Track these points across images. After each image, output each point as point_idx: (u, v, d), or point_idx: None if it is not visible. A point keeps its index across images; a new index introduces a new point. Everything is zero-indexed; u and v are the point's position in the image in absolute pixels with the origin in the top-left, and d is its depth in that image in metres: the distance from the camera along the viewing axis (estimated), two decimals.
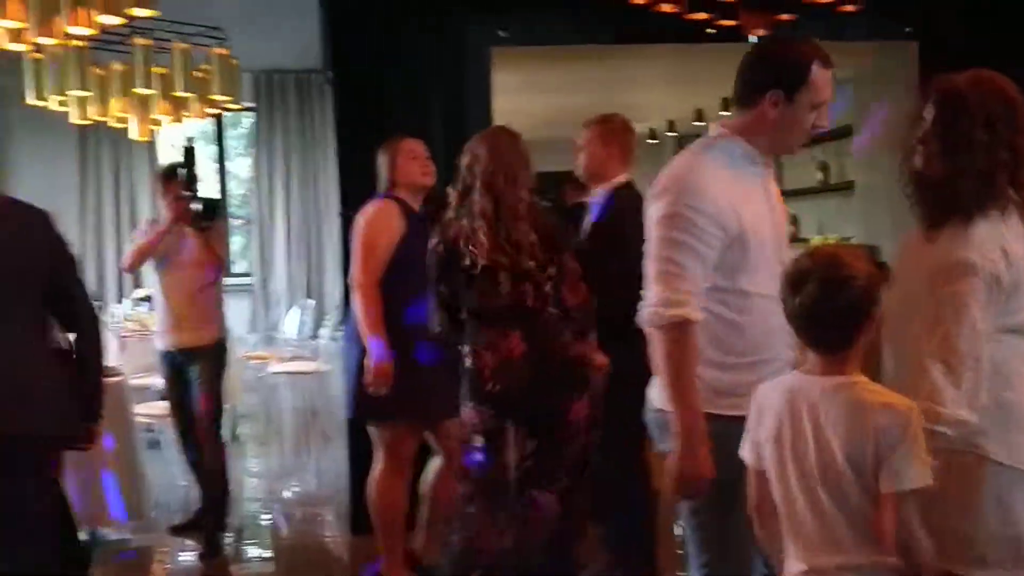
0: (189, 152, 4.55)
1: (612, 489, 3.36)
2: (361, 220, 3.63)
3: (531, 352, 2.92)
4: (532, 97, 8.08)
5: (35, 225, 2.75)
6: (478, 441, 2.97)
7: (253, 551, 4.55)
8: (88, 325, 2.87)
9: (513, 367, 2.91)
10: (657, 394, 2.22)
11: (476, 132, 4.53)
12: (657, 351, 2.12)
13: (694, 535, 2.22)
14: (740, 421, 1.95)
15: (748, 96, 2.22)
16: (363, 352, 3.50)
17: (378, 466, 3.66)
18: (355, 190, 4.44)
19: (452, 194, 3.10)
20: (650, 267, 2.15)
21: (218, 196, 4.61)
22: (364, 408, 3.60)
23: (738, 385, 2.12)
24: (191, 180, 4.45)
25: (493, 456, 2.96)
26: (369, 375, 3.40)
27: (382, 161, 3.72)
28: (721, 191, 2.15)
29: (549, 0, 4.49)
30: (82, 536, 4.32)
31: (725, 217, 2.12)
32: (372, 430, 3.65)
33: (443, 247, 2.97)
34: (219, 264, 4.47)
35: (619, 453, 3.31)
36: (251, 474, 5.78)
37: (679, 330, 2.08)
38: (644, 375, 2.25)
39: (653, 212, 2.17)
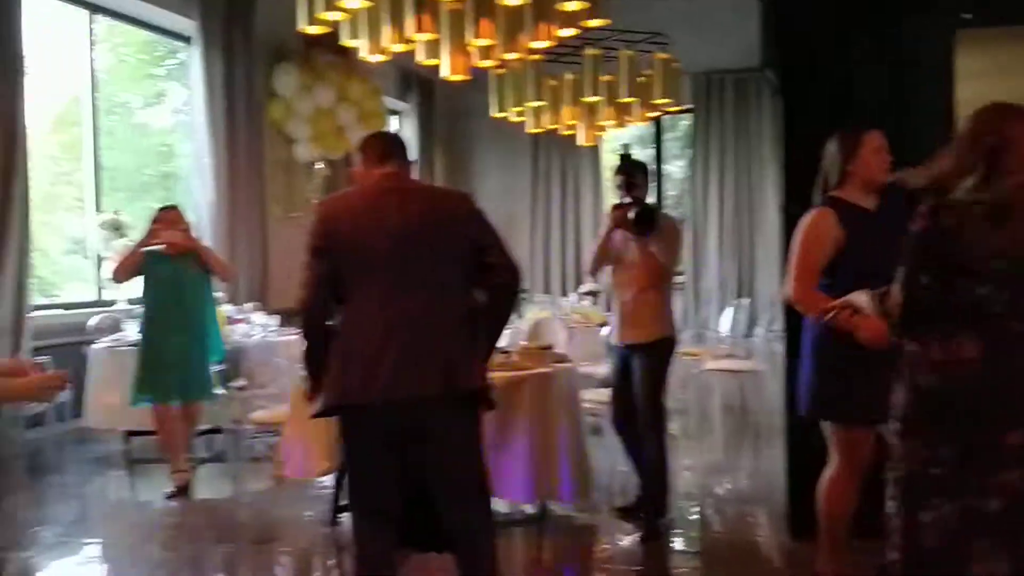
0: (625, 159, 4.74)
1: None
2: (797, 234, 3.53)
3: (987, 358, 2.63)
4: (998, 82, 7.35)
5: (457, 204, 3.09)
6: (894, 425, 2.74)
7: (684, 544, 4.64)
8: (505, 291, 3.09)
9: (960, 368, 2.64)
10: None
11: (928, 123, 4.27)
12: None
13: None
14: None
15: None
16: (817, 342, 3.44)
17: (831, 468, 3.54)
18: (799, 186, 4.37)
19: (966, 173, 2.76)
20: None
21: (653, 203, 4.68)
22: (820, 406, 3.50)
23: None
24: (628, 187, 4.63)
25: (907, 445, 2.71)
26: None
27: (835, 153, 3.54)
28: None
29: None
30: (531, 509, 4.73)
31: None
32: (826, 430, 3.53)
33: (935, 231, 2.65)
34: (659, 267, 4.60)
35: None
36: (683, 468, 5.90)
37: None
38: None
39: None
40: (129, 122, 8.95)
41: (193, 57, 8.37)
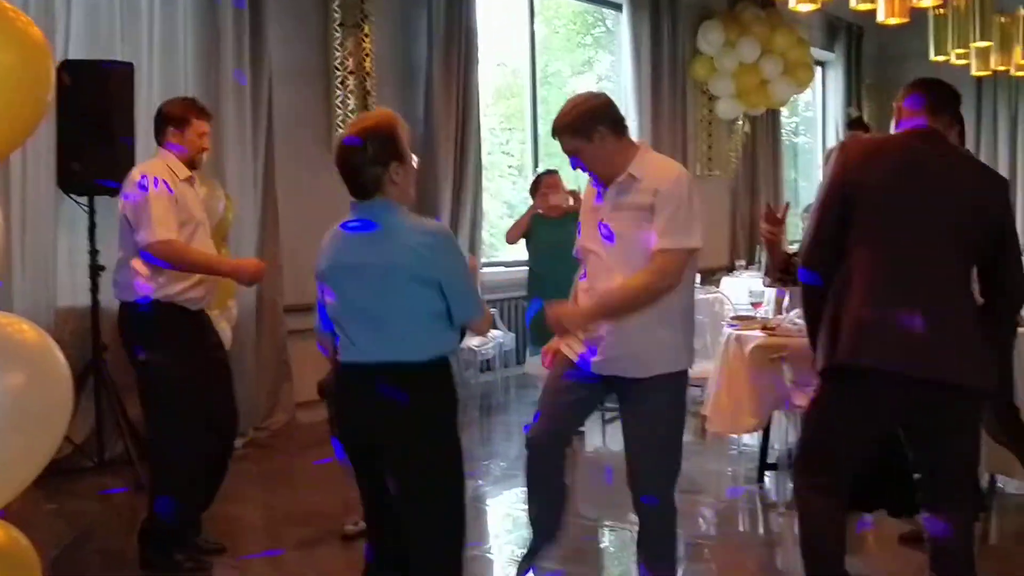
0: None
1: None
2: None
3: None
4: None
5: (997, 191, 2.87)
6: None
7: None
8: (1007, 310, 2.88)
9: None
10: None
11: None
12: None
13: None
14: None
15: None
16: None
17: None
18: None
19: None
20: None
21: None
22: None
23: None
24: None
25: None
26: None
27: None
28: None
29: None
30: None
31: None
32: None
33: None
34: None
35: None
36: None
37: None
38: None
39: None
40: (560, 91, 9.51)
41: (621, 23, 8.68)
